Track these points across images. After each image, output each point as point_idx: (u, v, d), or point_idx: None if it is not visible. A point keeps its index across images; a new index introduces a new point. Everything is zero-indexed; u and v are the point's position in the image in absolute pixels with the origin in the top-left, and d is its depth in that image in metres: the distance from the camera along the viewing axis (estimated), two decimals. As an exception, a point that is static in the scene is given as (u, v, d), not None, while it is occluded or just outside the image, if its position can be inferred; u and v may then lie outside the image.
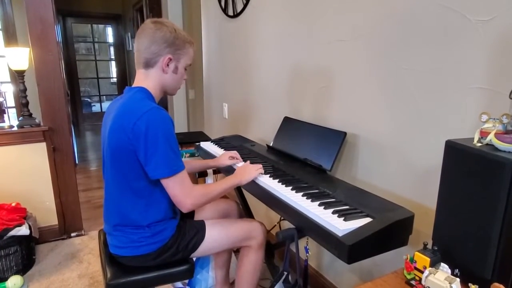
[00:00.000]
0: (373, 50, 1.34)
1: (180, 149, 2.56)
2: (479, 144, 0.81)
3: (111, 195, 1.24)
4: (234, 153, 1.59)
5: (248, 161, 1.50)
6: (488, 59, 0.99)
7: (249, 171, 1.36)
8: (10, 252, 1.93)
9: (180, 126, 4.00)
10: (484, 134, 0.82)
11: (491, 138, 0.79)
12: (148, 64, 1.22)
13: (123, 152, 1.14)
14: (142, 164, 1.14)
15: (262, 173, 1.37)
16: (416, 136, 1.21)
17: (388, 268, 1.35)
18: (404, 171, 1.27)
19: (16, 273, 1.96)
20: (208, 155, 1.82)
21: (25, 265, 2.04)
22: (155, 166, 1.13)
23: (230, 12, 2.42)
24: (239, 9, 2.29)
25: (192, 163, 1.62)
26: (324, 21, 1.58)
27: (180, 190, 1.17)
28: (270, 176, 1.35)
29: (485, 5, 0.98)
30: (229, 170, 1.55)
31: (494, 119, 0.81)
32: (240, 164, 1.52)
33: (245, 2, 2.21)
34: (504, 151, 0.76)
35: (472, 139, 0.84)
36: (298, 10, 1.74)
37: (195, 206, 1.22)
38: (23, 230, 1.97)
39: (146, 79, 1.23)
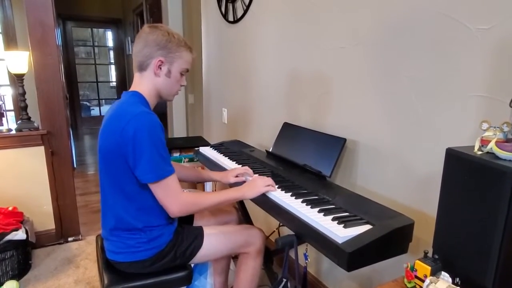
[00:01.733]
0: (374, 57, 1.35)
1: (179, 154, 2.57)
2: (480, 152, 0.81)
3: (106, 198, 1.24)
4: (245, 169, 1.46)
5: (257, 175, 1.41)
6: (488, 67, 0.99)
7: (255, 185, 1.26)
8: (6, 257, 1.91)
9: (179, 130, 4.00)
10: (484, 142, 0.81)
11: (491, 146, 0.79)
12: (141, 67, 1.23)
13: (113, 156, 1.15)
14: (131, 168, 1.14)
15: (272, 189, 1.25)
16: (416, 143, 1.21)
17: (388, 275, 1.34)
18: (404, 178, 1.27)
19: (12, 278, 1.94)
20: (207, 160, 1.81)
21: (21, 270, 2.02)
22: (142, 171, 1.12)
23: (230, 18, 2.42)
24: (239, 14, 2.30)
25: (188, 171, 1.56)
26: (324, 28, 1.58)
27: (166, 195, 1.16)
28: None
29: (484, 14, 0.98)
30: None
31: (495, 127, 0.81)
32: (250, 179, 1.39)
33: (245, 8, 2.22)
34: (505, 160, 0.76)
35: (473, 147, 0.84)
36: (298, 16, 1.75)
37: (182, 213, 1.20)
38: (20, 235, 1.95)
39: (140, 83, 1.24)
